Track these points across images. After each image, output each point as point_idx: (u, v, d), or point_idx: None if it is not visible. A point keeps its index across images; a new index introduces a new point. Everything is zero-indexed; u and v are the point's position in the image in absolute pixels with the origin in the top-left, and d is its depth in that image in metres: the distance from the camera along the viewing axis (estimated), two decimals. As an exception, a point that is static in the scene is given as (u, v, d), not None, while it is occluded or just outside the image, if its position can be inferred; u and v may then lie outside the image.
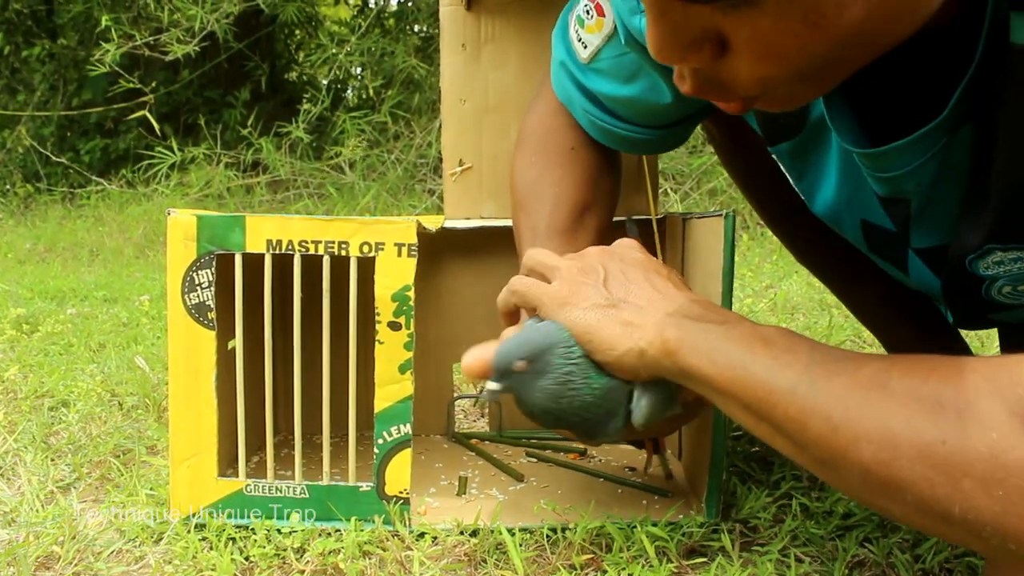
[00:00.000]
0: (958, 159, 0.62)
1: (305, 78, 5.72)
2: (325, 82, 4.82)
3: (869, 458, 0.53)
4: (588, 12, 0.89)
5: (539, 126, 0.98)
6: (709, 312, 0.68)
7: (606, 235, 0.92)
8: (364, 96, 4.86)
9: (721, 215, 0.85)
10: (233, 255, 0.87)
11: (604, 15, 0.87)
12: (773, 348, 0.61)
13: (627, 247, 0.77)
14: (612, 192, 0.98)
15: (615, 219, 1.01)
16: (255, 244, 0.87)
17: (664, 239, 1.13)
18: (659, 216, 1.10)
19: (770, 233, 2.97)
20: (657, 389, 0.71)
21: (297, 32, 5.79)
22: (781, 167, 0.85)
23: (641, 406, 0.71)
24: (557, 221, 0.90)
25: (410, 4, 4.75)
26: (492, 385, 0.71)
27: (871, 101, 0.68)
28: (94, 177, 4.75)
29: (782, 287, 2.25)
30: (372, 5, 5.14)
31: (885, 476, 0.52)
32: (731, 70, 0.55)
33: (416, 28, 4.79)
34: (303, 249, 0.87)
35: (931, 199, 0.67)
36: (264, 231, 0.87)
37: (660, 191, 1.17)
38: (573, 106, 0.94)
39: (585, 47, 0.90)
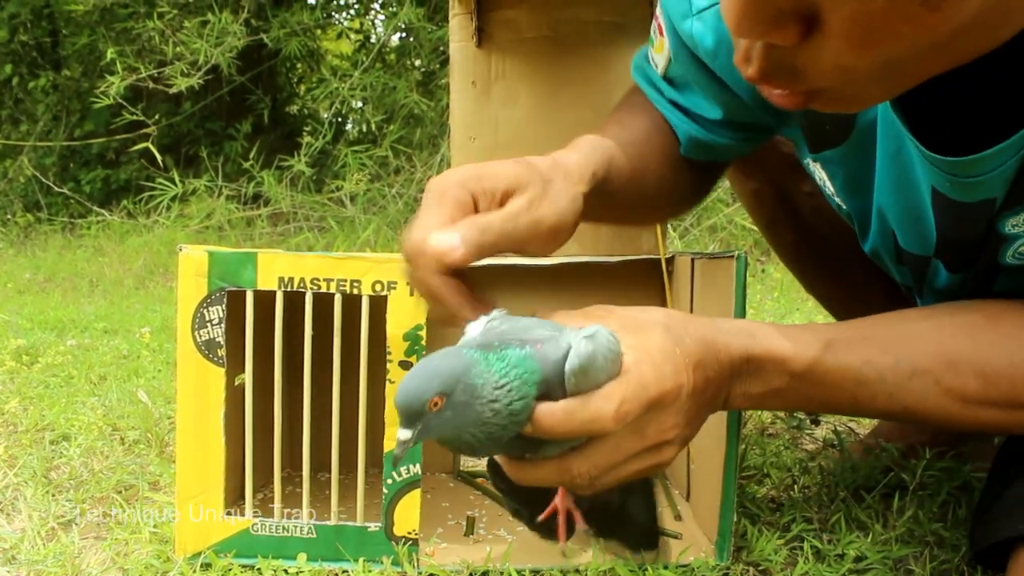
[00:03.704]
0: None
1: (307, 111, 5.75)
2: (327, 116, 4.84)
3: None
4: (654, 31, 0.89)
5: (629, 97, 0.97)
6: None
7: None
8: (365, 130, 4.88)
9: (732, 256, 0.85)
10: (244, 292, 0.87)
11: (664, 35, 0.87)
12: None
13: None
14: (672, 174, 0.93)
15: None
16: (267, 281, 0.87)
17: (672, 278, 1.13)
18: (668, 255, 1.10)
19: (772, 271, 2.98)
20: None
21: (299, 66, 5.84)
22: (819, 177, 0.85)
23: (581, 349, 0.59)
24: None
25: (411, 40, 4.79)
26: (403, 435, 0.58)
27: (951, 109, 0.67)
28: (95, 208, 4.76)
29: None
30: (373, 40, 5.19)
31: None
32: (813, 55, 0.50)
33: (417, 63, 4.83)
34: (315, 287, 0.87)
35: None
36: (276, 268, 0.86)
37: (660, 227, 1.17)
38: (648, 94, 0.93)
39: (656, 66, 0.91)
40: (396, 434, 0.58)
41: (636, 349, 0.63)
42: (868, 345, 0.71)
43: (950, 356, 0.69)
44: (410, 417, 0.57)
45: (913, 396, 0.70)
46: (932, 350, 0.70)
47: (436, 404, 0.57)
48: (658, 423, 0.64)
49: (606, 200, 0.80)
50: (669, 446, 0.66)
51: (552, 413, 0.60)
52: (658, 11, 0.90)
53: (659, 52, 0.90)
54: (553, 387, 0.60)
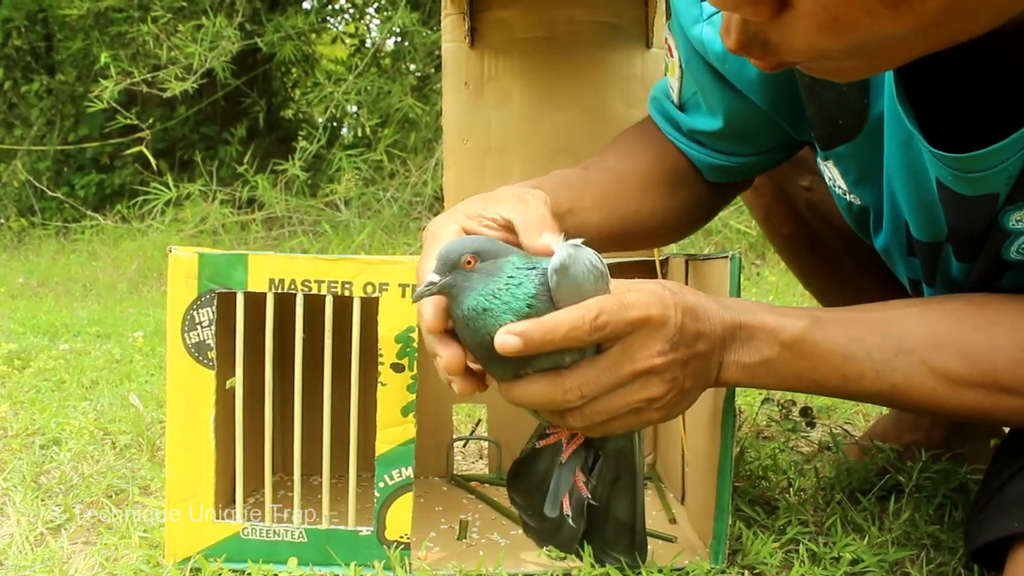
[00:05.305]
0: None
1: (302, 116, 5.75)
2: (321, 120, 4.84)
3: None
4: (666, 55, 0.92)
5: (634, 126, 1.01)
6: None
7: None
8: (360, 134, 4.88)
9: (726, 257, 0.85)
10: (234, 294, 0.86)
11: (673, 55, 0.90)
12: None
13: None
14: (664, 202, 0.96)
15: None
16: (257, 283, 0.86)
17: (667, 280, 1.12)
18: (662, 257, 1.10)
19: (766, 273, 2.98)
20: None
21: (294, 70, 5.84)
22: (829, 176, 0.85)
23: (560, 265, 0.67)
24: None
25: (406, 44, 4.79)
26: (433, 277, 0.67)
27: (956, 104, 0.68)
28: (89, 212, 4.74)
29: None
30: (368, 44, 5.19)
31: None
32: (784, 32, 0.51)
33: (412, 67, 4.83)
34: (306, 288, 0.86)
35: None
36: (267, 270, 0.86)
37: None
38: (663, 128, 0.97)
39: (672, 91, 0.93)
40: (426, 277, 0.68)
41: (625, 286, 0.68)
42: (855, 324, 0.73)
43: (935, 337, 0.71)
44: (445, 266, 0.67)
45: (900, 374, 0.71)
46: (917, 331, 0.71)
47: (469, 262, 0.67)
48: (645, 348, 0.67)
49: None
50: (659, 379, 0.68)
51: (537, 323, 0.65)
52: (666, 31, 0.91)
53: (672, 75, 0.92)
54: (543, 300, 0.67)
